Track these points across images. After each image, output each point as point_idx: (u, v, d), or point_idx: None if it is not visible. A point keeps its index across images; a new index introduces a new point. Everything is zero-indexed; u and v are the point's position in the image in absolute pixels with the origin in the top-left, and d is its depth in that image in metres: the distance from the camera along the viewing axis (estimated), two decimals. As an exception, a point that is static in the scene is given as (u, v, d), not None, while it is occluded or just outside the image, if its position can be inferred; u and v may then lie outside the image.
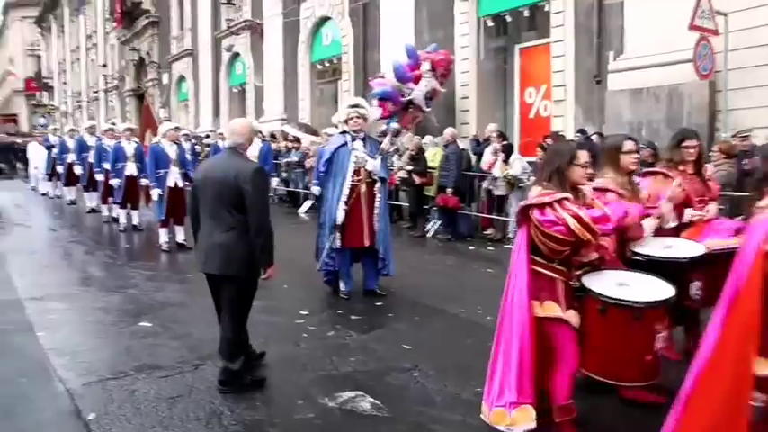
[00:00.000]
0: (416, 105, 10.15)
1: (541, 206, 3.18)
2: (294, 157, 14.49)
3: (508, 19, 12.66)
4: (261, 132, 12.57)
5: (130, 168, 10.65)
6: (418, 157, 10.69)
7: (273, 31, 20.12)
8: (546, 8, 11.55)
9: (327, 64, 18.44)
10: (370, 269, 6.46)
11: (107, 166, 11.23)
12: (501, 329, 3.36)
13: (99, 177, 11.85)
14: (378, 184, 6.29)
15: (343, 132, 6.41)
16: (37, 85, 57.59)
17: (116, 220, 11.37)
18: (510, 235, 9.79)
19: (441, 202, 10.18)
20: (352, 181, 6.16)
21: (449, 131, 10.84)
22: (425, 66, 9.76)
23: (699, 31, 8.16)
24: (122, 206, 10.92)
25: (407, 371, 4.43)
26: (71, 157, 13.84)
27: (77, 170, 13.55)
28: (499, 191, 9.92)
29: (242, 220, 3.85)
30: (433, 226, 10.68)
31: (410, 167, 10.72)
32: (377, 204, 6.27)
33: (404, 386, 4.19)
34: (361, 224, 6.17)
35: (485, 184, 10.17)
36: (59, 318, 5.74)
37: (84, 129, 14.59)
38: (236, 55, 23.20)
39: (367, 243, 6.22)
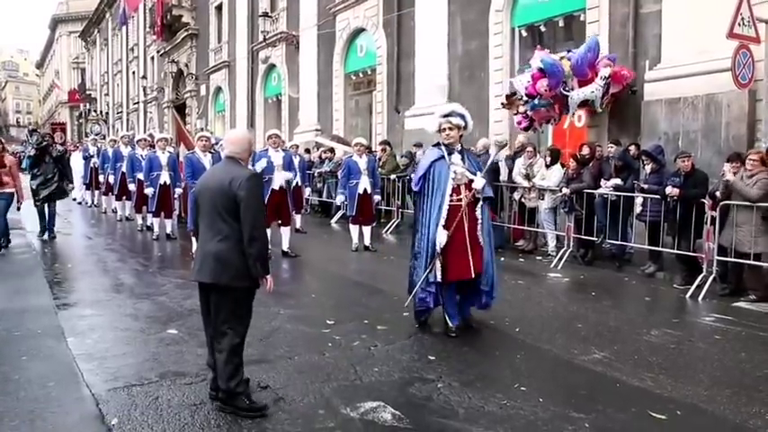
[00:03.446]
0: (560, 106, 9.54)
1: None
2: (327, 168, 14.56)
3: (543, 29, 12.54)
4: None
5: (164, 177, 10.85)
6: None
7: (309, 42, 20.33)
8: (581, 18, 11.42)
9: (362, 75, 18.54)
10: (467, 298, 5.63)
11: (140, 175, 11.47)
12: None
13: (131, 187, 12.08)
14: (480, 205, 5.42)
15: (437, 144, 5.55)
16: (80, 96, 59.26)
17: (150, 228, 11.57)
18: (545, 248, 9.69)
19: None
20: (452, 201, 5.33)
21: (481, 142, 10.75)
22: (605, 71, 9.25)
23: (738, 39, 7.93)
24: (156, 215, 11.10)
25: (431, 382, 4.37)
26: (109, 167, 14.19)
27: (111, 179, 13.90)
28: (531, 202, 9.79)
29: (237, 228, 3.73)
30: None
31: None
32: (479, 228, 5.39)
33: (427, 397, 4.12)
34: (464, 252, 5.28)
35: (516, 195, 10.04)
36: (90, 324, 5.81)
37: (119, 138, 14.89)
38: (272, 66, 23.52)
39: (473, 274, 5.32)
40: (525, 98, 10.01)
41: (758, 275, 6.98)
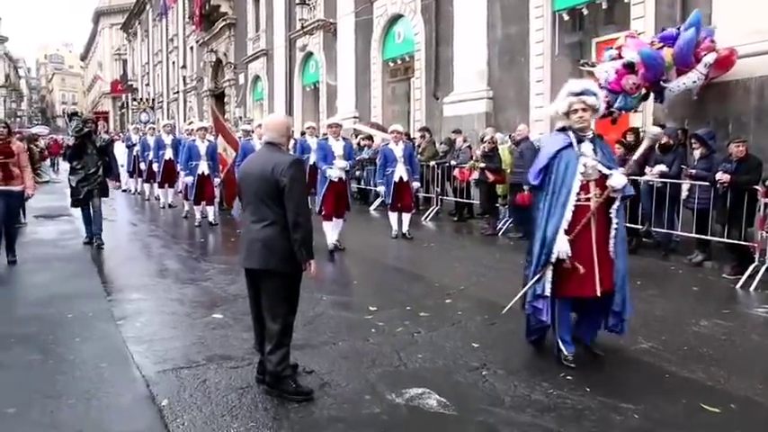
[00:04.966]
0: (654, 96, 8.62)
1: None
2: (366, 155, 14.55)
3: (585, 12, 12.26)
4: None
5: (202, 167, 11.02)
6: (492, 155, 10.51)
7: (346, 29, 20.28)
8: (625, 0, 11.13)
9: (399, 62, 18.42)
10: (590, 318, 4.64)
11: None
12: None
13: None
14: (615, 205, 4.38)
15: (563, 129, 4.53)
16: (122, 87, 60.41)
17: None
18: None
19: (519, 200, 9.86)
20: (578, 200, 4.33)
21: (522, 127, 10.60)
22: (709, 58, 8.33)
23: (795, 17, 7.62)
24: (197, 203, 11.26)
25: (476, 369, 4.34)
26: (151, 155, 14.47)
27: (155, 167, 14.17)
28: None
29: (282, 213, 3.75)
30: (504, 224, 10.50)
31: (482, 165, 10.56)
32: (612, 233, 4.39)
33: (472, 384, 4.10)
34: (590, 263, 4.29)
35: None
36: (137, 308, 5.95)
37: (162, 127, 15.16)
38: (310, 54, 23.55)
39: (600, 291, 4.31)
40: (606, 91, 8.67)
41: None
